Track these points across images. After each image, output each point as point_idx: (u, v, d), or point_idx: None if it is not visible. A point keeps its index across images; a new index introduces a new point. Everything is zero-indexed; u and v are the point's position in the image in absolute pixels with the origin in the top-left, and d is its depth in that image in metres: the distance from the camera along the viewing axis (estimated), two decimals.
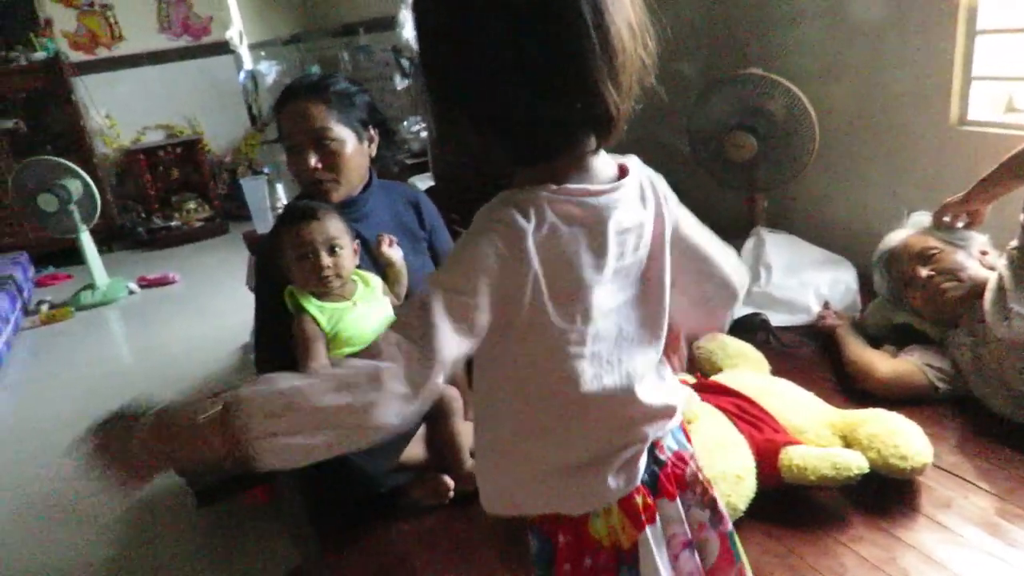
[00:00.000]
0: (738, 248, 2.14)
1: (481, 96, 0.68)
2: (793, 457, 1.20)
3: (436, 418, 1.40)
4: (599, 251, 0.71)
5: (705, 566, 0.82)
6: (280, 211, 2.81)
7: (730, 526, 0.87)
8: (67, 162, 4.10)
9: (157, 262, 4.88)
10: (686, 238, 0.83)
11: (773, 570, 1.10)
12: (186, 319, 3.87)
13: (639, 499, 0.77)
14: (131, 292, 4.33)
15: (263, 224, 2.88)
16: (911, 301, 1.58)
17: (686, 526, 0.80)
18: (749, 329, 1.81)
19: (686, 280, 0.84)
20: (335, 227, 1.38)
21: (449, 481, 1.37)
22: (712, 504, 0.84)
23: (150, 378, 3.22)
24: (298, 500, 1.53)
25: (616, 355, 0.74)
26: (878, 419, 1.28)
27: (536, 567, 0.83)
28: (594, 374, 0.73)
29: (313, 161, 1.43)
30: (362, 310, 1.42)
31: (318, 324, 1.36)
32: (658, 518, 0.78)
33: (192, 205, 5.42)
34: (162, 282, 4.43)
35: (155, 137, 5.51)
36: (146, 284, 4.42)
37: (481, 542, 1.28)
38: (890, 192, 2.07)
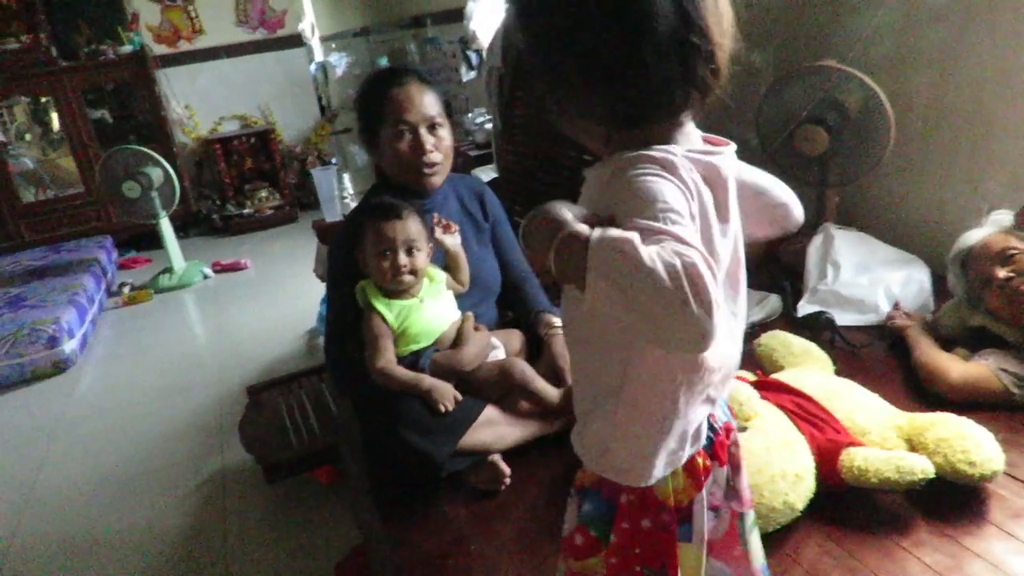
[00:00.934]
0: (806, 245, 2.10)
1: (600, 46, 0.68)
2: (855, 458, 1.17)
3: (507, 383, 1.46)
4: (723, 213, 0.74)
5: (711, 536, 0.85)
6: (349, 199, 2.89)
7: (747, 507, 0.88)
8: (150, 151, 4.30)
9: (230, 248, 5.07)
10: (745, 181, 0.86)
11: (831, 571, 1.09)
12: (256, 304, 4.03)
13: (700, 461, 0.80)
14: (206, 277, 4.52)
15: (332, 213, 2.97)
16: (988, 303, 1.52)
17: (720, 491, 0.84)
18: (814, 328, 1.77)
19: (754, 220, 0.87)
20: (416, 228, 1.44)
21: (505, 468, 1.40)
22: (736, 478, 0.87)
23: (222, 358, 3.36)
24: (362, 480, 1.58)
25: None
26: (947, 423, 1.24)
27: (590, 527, 0.85)
28: None
29: (430, 144, 1.49)
30: (428, 306, 1.47)
31: (386, 321, 1.42)
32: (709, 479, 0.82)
33: (264, 193, 5.60)
34: (235, 268, 4.61)
35: (231, 127, 5.72)
36: (220, 269, 4.61)
37: (539, 529, 1.30)
38: (971, 188, 1.99)
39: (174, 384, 3.18)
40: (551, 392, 1.48)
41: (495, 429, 1.43)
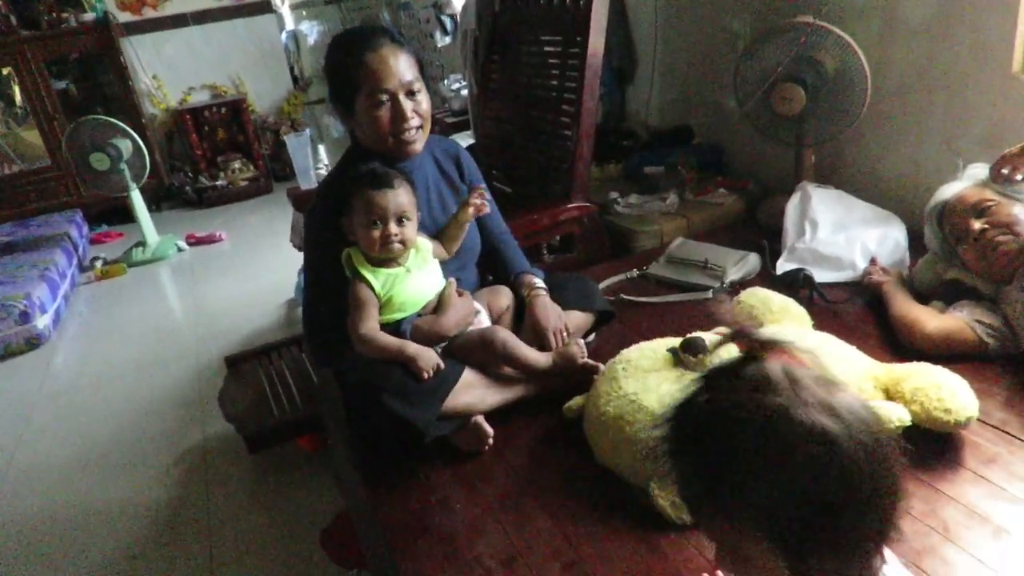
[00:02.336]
0: (783, 204, 2.10)
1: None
2: None
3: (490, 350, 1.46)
4: None
5: None
6: (324, 170, 2.84)
7: None
8: (118, 122, 4.19)
9: (204, 221, 4.99)
10: None
11: None
12: (233, 276, 3.98)
13: None
14: (180, 250, 4.45)
15: (307, 181, 2.92)
16: (962, 256, 1.53)
17: None
18: (793, 285, 1.79)
19: None
20: (407, 198, 1.42)
21: (488, 429, 1.40)
22: None
23: (199, 331, 3.32)
24: (344, 447, 1.58)
25: None
26: (922, 373, 1.26)
27: None
28: None
29: (409, 109, 1.42)
30: (415, 275, 1.46)
31: (372, 289, 1.40)
32: None
33: (237, 165, 5.51)
34: (210, 240, 4.54)
35: (201, 98, 5.59)
36: (194, 242, 4.54)
37: (521, 488, 1.31)
38: (945, 146, 2.00)
39: (151, 358, 3.14)
40: (537, 357, 1.48)
41: (477, 391, 1.43)
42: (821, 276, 1.81)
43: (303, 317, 1.55)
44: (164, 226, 4.76)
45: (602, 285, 2.00)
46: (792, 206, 2.02)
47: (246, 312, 3.43)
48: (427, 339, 1.42)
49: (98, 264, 4.31)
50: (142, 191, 4.42)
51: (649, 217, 2.43)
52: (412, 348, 1.37)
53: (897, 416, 1.14)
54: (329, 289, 1.46)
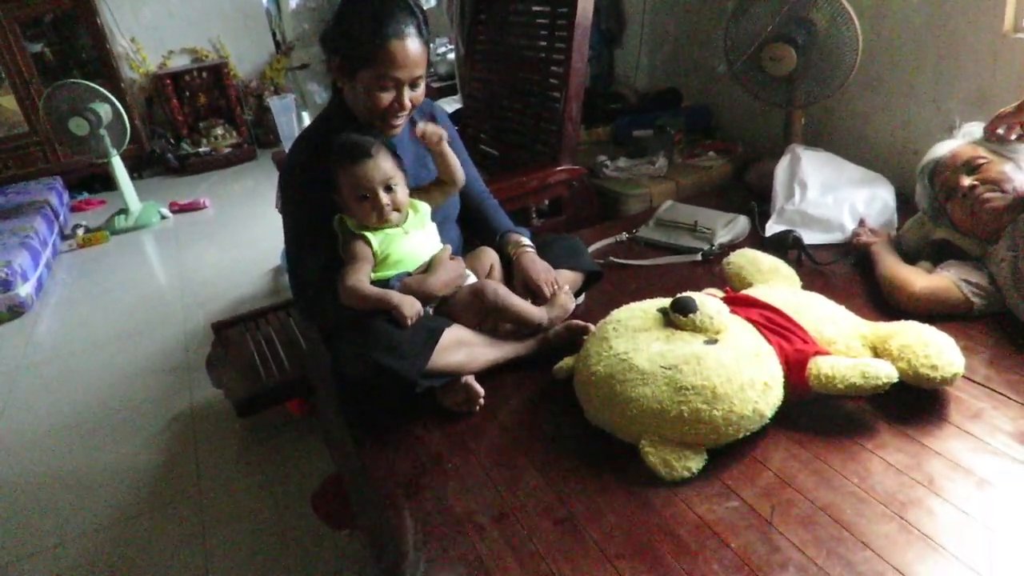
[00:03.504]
0: (772, 167, 2.10)
1: None
2: (822, 366, 1.20)
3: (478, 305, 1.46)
4: None
5: None
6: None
7: None
8: (96, 86, 4.10)
9: (187, 188, 4.93)
10: None
11: (796, 474, 1.12)
12: (217, 243, 3.94)
13: None
14: (163, 217, 4.39)
15: (290, 144, 2.88)
16: (951, 214, 1.54)
17: None
18: (782, 247, 1.79)
19: None
20: (389, 164, 1.41)
21: (479, 388, 1.40)
22: None
23: (185, 299, 3.30)
24: (333, 408, 1.58)
25: None
26: (909, 330, 1.27)
27: None
28: None
29: (408, 98, 1.41)
30: (413, 236, 1.46)
31: (370, 246, 1.40)
32: None
33: (220, 131, 5.42)
34: (193, 207, 4.49)
35: (181, 62, 5.48)
36: (178, 209, 4.48)
37: (513, 447, 1.31)
38: (935, 106, 2.00)
39: (137, 325, 3.11)
40: (531, 309, 1.48)
41: (468, 350, 1.43)
42: (810, 238, 1.82)
43: (289, 276, 1.52)
44: (146, 193, 4.70)
45: (591, 249, 1.99)
46: (781, 168, 2.01)
47: (232, 279, 3.41)
48: (414, 295, 1.41)
49: (80, 232, 4.25)
50: (123, 158, 4.34)
51: (638, 180, 2.42)
52: (395, 296, 1.37)
53: (885, 373, 1.15)
54: (312, 243, 1.45)
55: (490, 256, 1.60)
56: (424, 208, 1.51)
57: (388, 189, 1.39)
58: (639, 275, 1.87)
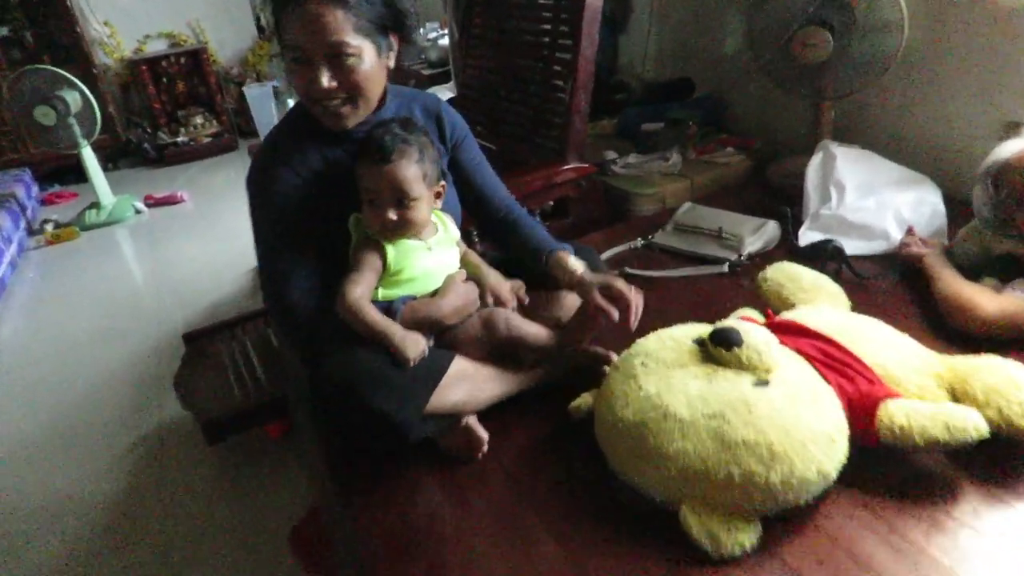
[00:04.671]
0: (797, 165, 1.90)
1: None
2: (895, 414, 1.00)
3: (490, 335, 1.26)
4: None
5: None
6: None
7: None
8: (64, 72, 3.84)
9: (164, 180, 4.68)
10: None
11: (873, 550, 0.93)
12: (195, 240, 3.71)
13: None
14: (138, 211, 4.16)
15: None
16: (1021, 224, 1.34)
17: None
18: (820, 258, 1.59)
19: None
20: (408, 174, 1.18)
21: (483, 433, 1.20)
22: None
23: (160, 300, 3.07)
24: (313, 438, 1.37)
25: None
26: (994, 369, 1.07)
27: None
28: None
29: (326, 81, 1.13)
30: (435, 255, 1.26)
31: (384, 257, 1.20)
32: None
33: (199, 120, 5.17)
34: (170, 201, 4.25)
35: (158, 47, 5.20)
36: (153, 203, 4.24)
37: (521, 503, 1.11)
38: (984, 100, 1.80)
39: (105, 330, 2.89)
40: (544, 336, 1.28)
41: (470, 386, 1.22)
42: (849, 247, 1.62)
43: (268, 300, 1.28)
44: (121, 185, 4.45)
45: (603, 257, 1.79)
46: (813, 167, 1.81)
47: (210, 279, 3.18)
48: (419, 323, 1.20)
49: (49, 227, 4.00)
50: (96, 148, 4.09)
51: (649, 178, 2.21)
52: (398, 333, 1.15)
53: (974, 425, 0.96)
54: (292, 257, 1.22)
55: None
56: (451, 226, 1.32)
57: (400, 203, 1.18)
58: (658, 288, 1.67)
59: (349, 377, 1.10)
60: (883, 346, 1.14)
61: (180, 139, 5.08)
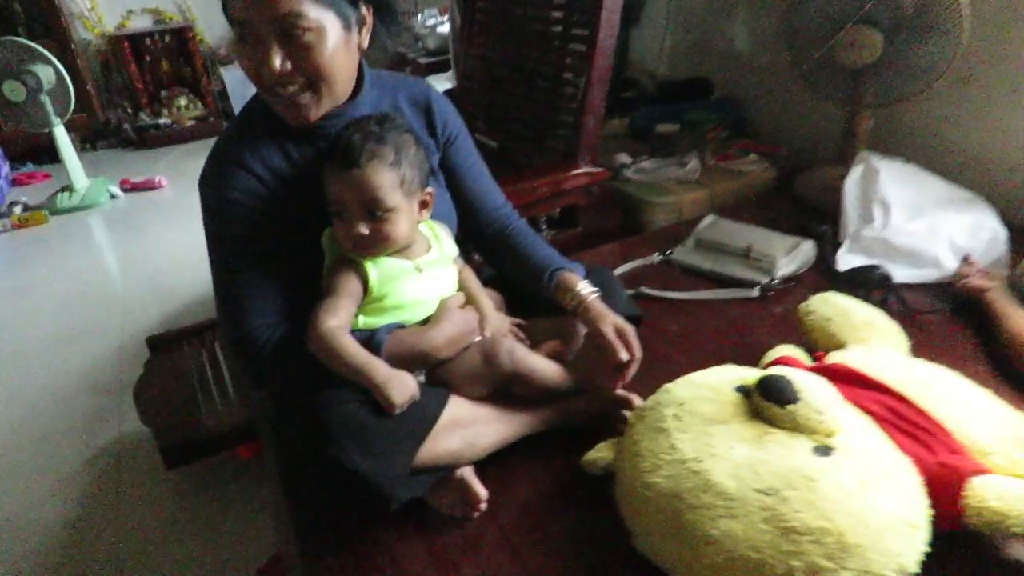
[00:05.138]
0: (828, 177, 1.72)
1: None
2: (986, 495, 0.82)
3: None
4: None
5: None
6: None
7: None
8: (36, 45, 3.60)
9: (144, 164, 4.45)
10: None
11: None
12: (173, 229, 3.50)
13: None
14: (113, 197, 3.94)
15: None
16: None
17: None
18: (862, 285, 1.41)
19: None
20: (380, 180, 0.98)
21: (481, 490, 1.01)
22: None
23: (130, 297, 2.86)
24: (277, 480, 1.18)
25: None
26: None
27: None
28: None
29: (278, 62, 0.93)
30: (427, 278, 1.06)
31: (364, 279, 1.00)
32: None
33: (183, 102, 4.93)
34: (148, 186, 4.03)
35: (141, 23, 4.96)
36: (130, 188, 4.02)
37: (520, 569, 0.93)
38: None
39: (69, 329, 2.67)
40: (555, 372, 1.09)
41: (466, 432, 1.03)
42: (895, 274, 1.44)
43: (224, 330, 1.09)
44: (97, 167, 4.22)
45: (616, 273, 1.60)
46: (852, 182, 1.63)
47: (187, 273, 2.97)
48: (406, 358, 1.00)
49: (17, 210, 3.77)
50: (71, 127, 3.87)
51: (665, 185, 2.02)
52: (383, 372, 0.95)
53: None
54: (252, 281, 1.02)
55: (498, 302, 1.20)
56: (447, 241, 1.12)
57: (371, 215, 0.99)
58: (678, 312, 1.49)
59: (319, 426, 0.91)
60: (961, 404, 0.96)
61: (162, 121, 4.85)
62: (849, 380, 1.01)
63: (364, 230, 0.98)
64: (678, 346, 1.37)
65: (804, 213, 1.82)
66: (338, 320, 0.97)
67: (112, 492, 1.82)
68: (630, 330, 1.08)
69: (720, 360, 1.31)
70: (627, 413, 1.10)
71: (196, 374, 1.91)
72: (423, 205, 1.05)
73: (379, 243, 1.00)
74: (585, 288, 1.13)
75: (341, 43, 0.97)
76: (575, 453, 1.08)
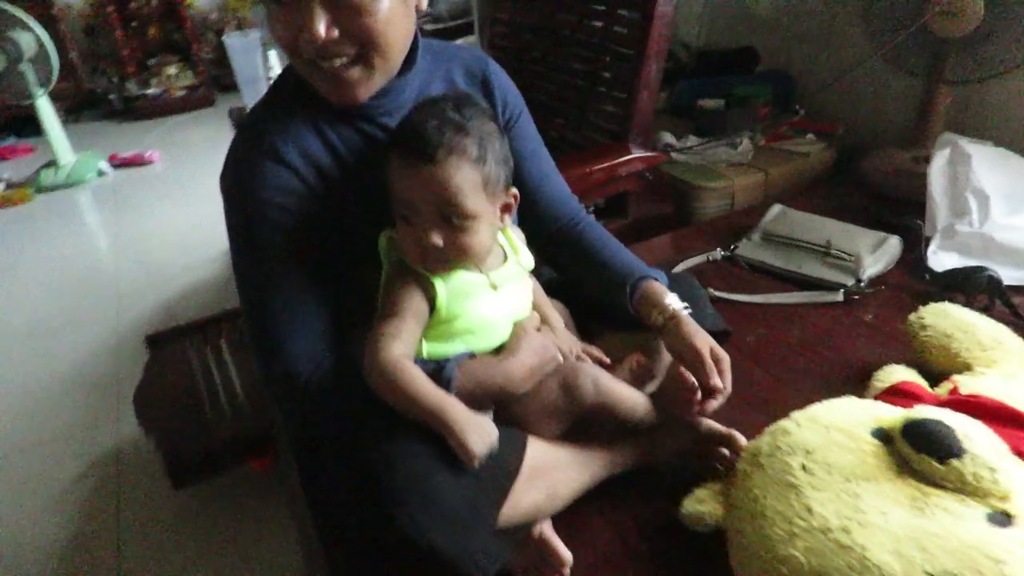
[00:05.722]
0: (910, 160, 1.54)
1: None
2: None
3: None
4: None
5: None
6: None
7: None
8: (15, 10, 3.35)
9: (133, 137, 4.22)
10: None
11: None
12: (167, 208, 3.30)
13: None
14: (101, 173, 3.72)
15: (253, 96, 2.23)
16: None
17: None
18: (962, 289, 1.25)
19: None
20: (461, 179, 0.79)
21: (565, 553, 0.85)
22: None
23: (123, 282, 2.67)
24: (305, 513, 1.02)
25: None
26: None
27: None
28: None
29: (323, 28, 0.75)
30: (504, 294, 0.88)
31: (431, 297, 0.82)
32: None
33: (173, 70, 4.69)
34: (138, 161, 3.82)
35: None
36: (119, 163, 3.81)
37: None
38: None
39: (56, 317, 2.48)
40: (641, 403, 0.93)
41: (548, 481, 0.86)
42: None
43: (257, 355, 0.89)
44: (83, 140, 3.99)
45: (675, 272, 1.43)
46: (938, 168, 1.46)
47: (182, 257, 2.78)
48: (478, 396, 0.83)
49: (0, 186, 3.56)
50: (55, 98, 3.63)
51: (714, 169, 1.84)
52: (460, 414, 0.77)
53: None
54: (294, 298, 0.85)
55: (565, 316, 1.03)
56: (524, 250, 0.94)
57: (448, 222, 0.80)
58: (753, 319, 1.32)
59: (381, 488, 0.74)
60: None
61: (151, 91, 4.61)
62: (998, 417, 0.85)
63: (437, 240, 0.80)
64: (759, 360, 1.21)
65: (874, 201, 1.66)
66: (404, 347, 0.79)
67: (111, 506, 1.66)
68: (726, 360, 0.91)
69: (810, 378, 1.16)
70: (725, 450, 0.94)
71: (202, 377, 1.74)
72: (506, 208, 0.88)
73: (454, 256, 0.82)
74: (675, 302, 0.96)
75: (397, 6, 0.78)
76: (663, 498, 0.93)
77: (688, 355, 0.92)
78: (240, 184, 0.84)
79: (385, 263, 0.86)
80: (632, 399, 0.92)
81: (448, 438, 0.76)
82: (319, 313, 0.85)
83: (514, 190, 0.89)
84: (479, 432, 0.76)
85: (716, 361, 0.92)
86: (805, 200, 1.70)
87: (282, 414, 0.92)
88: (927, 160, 1.55)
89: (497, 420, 0.87)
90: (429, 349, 0.83)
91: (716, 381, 0.89)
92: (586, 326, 1.05)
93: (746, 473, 0.85)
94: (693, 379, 0.89)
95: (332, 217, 0.86)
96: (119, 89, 4.61)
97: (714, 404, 0.91)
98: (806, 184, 1.85)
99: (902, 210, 1.51)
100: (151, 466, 1.73)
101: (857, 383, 1.09)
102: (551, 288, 1.05)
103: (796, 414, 0.88)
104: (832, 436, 0.82)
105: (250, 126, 0.87)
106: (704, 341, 0.92)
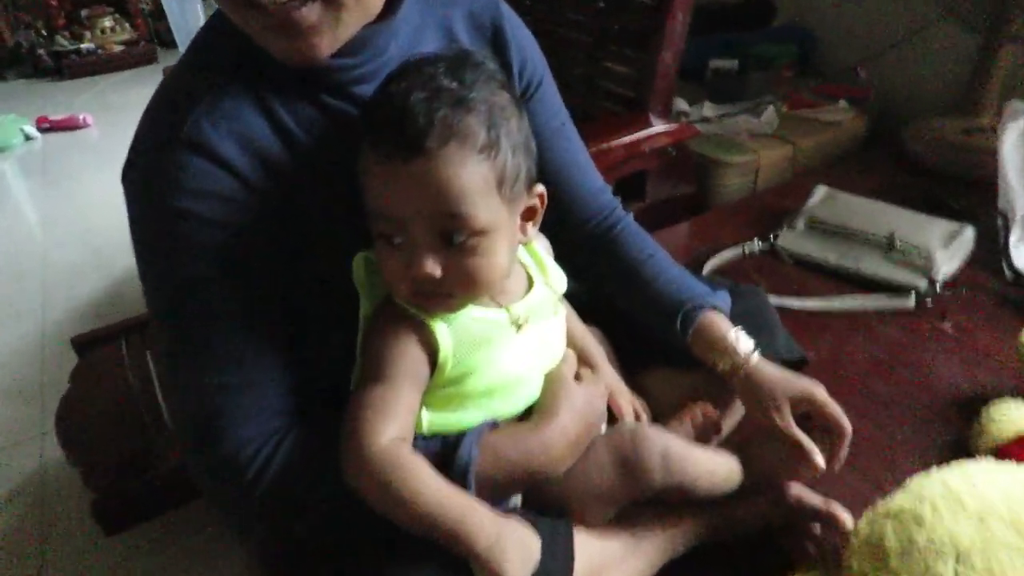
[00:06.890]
0: (960, 131, 1.33)
1: None
2: None
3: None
4: None
5: None
6: None
7: None
8: None
9: (64, 97, 3.86)
10: None
11: None
12: (102, 179, 2.99)
13: None
14: (28, 138, 3.42)
15: None
16: None
17: None
18: None
19: None
20: (467, 179, 0.53)
21: None
22: None
23: (58, 263, 2.36)
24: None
25: None
26: None
27: None
28: None
29: None
30: (531, 334, 0.62)
31: (435, 348, 0.57)
32: None
33: (108, 23, 4.30)
34: (70, 125, 3.52)
35: None
36: (49, 127, 3.51)
37: None
38: None
39: None
40: (725, 474, 0.69)
41: None
42: None
43: (184, 438, 0.63)
44: (7, 102, 3.64)
45: (706, 270, 1.21)
46: (1011, 144, 1.24)
47: (120, 236, 2.45)
48: (505, 484, 0.59)
49: None
50: None
51: (736, 141, 1.61)
52: (487, 526, 0.52)
53: None
54: (226, 356, 0.58)
55: (601, 351, 0.78)
56: (554, 270, 0.69)
57: (447, 240, 0.55)
58: (808, 328, 1.10)
59: None
60: None
61: (84, 46, 4.22)
62: None
63: (434, 268, 0.54)
64: (827, 385, 0.99)
65: (924, 179, 1.45)
66: (397, 427, 0.55)
67: (35, 548, 1.39)
68: (848, 430, 0.69)
69: (895, 412, 0.95)
70: (818, 526, 0.72)
71: (141, 390, 1.46)
72: (529, 215, 0.62)
73: (459, 290, 0.57)
74: (743, 344, 0.72)
75: None
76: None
77: (770, 421, 0.70)
78: (149, 189, 0.58)
79: (364, 300, 0.61)
80: (715, 473, 0.68)
81: (473, 562, 0.52)
82: (270, 377, 0.59)
83: (540, 188, 0.63)
84: (518, 550, 0.53)
85: (820, 413, 0.70)
86: (838, 178, 1.48)
87: (223, 518, 0.67)
88: (981, 131, 1.34)
89: (526, 505, 0.64)
90: (432, 421, 0.59)
91: (819, 463, 0.67)
92: (628, 358, 0.82)
93: (860, 564, 0.64)
94: (818, 464, 0.67)
95: (287, 234, 0.60)
96: (47, 44, 4.20)
97: (837, 463, 0.70)
98: (835, 159, 1.63)
99: (956, 191, 1.30)
100: (83, 496, 1.47)
101: (957, 419, 0.88)
102: (580, 306, 0.81)
103: (921, 486, 0.66)
104: (992, 530, 0.60)
105: (163, 103, 0.60)
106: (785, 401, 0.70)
